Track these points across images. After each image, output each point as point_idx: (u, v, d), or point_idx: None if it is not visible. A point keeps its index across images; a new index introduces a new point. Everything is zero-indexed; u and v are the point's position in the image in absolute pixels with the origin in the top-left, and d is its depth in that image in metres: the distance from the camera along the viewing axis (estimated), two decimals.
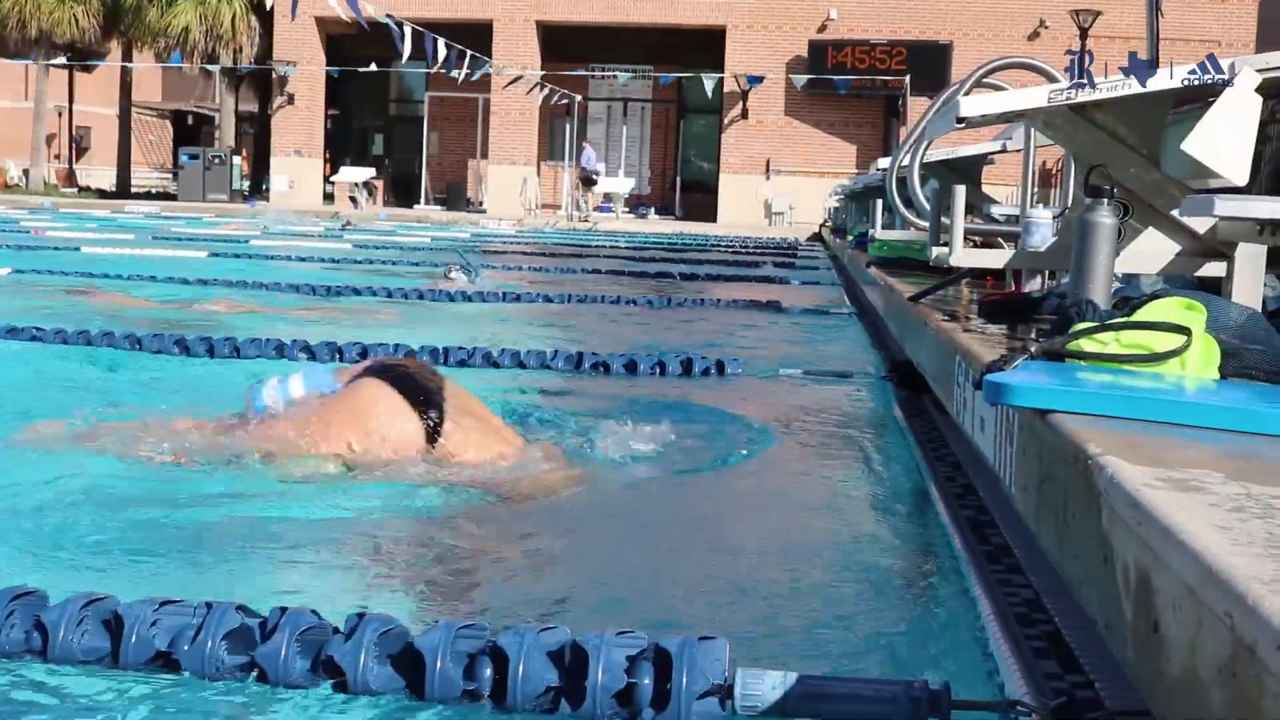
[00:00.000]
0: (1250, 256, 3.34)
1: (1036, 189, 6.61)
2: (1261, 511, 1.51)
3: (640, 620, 2.10)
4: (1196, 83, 3.28)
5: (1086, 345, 2.43)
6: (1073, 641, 2.13)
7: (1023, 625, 2.25)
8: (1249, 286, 3.33)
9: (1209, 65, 3.24)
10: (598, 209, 29.77)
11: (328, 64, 30.84)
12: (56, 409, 4.15)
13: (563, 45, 29.99)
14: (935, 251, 4.85)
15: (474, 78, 24.31)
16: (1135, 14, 20.22)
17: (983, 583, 2.58)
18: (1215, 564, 1.29)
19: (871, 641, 2.36)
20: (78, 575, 2.64)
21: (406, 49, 17.88)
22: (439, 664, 1.91)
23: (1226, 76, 3.25)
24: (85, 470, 3.48)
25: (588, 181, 29.51)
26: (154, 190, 37.57)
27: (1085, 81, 3.36)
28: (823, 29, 28.74)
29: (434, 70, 22.23)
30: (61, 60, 32.55)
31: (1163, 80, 3.46)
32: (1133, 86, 3.44)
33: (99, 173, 41.27)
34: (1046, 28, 27.38)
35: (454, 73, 21.36)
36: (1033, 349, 2.46)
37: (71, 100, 38.90)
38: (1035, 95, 3.66)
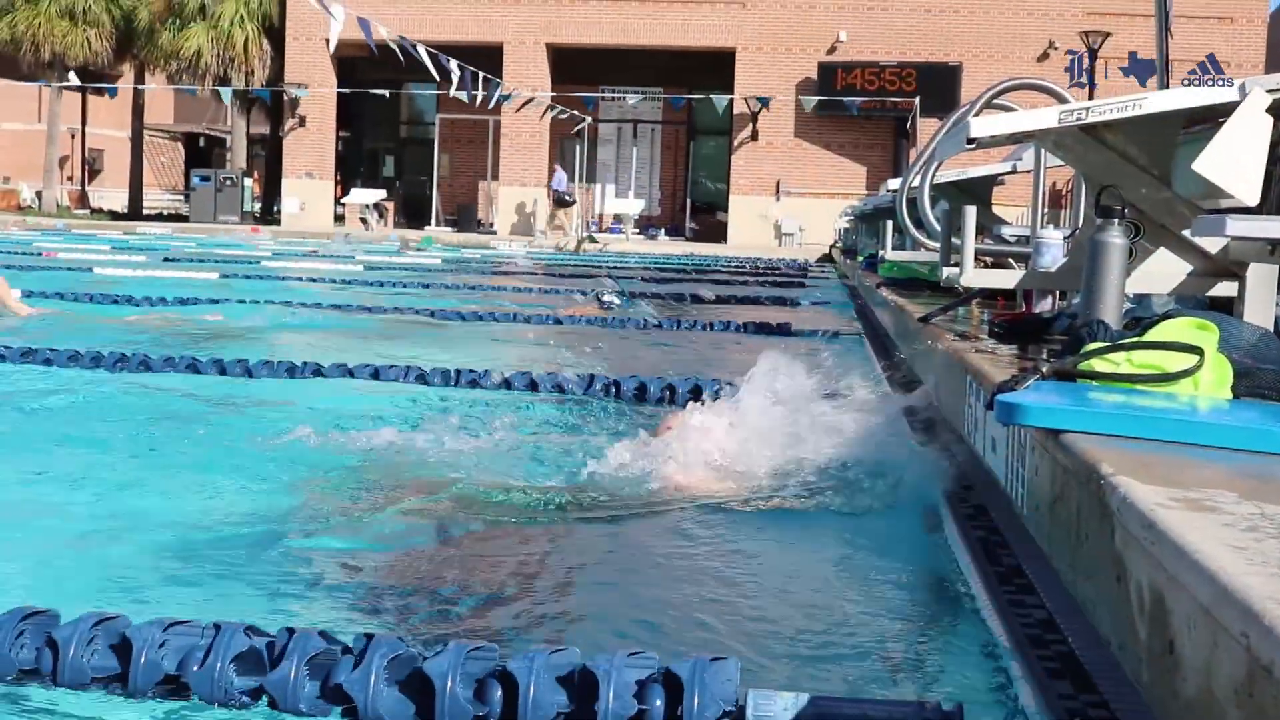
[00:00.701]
0: (1262, 276, 3.34)
1: (1047, 209, 6.60)
2: (1276, 531, 1.51)
3: (651, 643, 2.09)
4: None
5: (1098, 365, 2.42)
6: (1086, 662, 2.11)
7: (1036, 646, 2.23)
8: (1261, 306, 3.32)
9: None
10: (607, 230, 29.80)
11: (339, 86, 30.96)
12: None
13: (573, 67, 30.07)
14: (946, 272, 4.85)
15: (490, 105, 24.42)
16: (1145, 36, 20.24)
17: (994, 603, 2.57)
18: (1230, 584, 1.28)
19: (884, 663, 2.35)
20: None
21: (456, 77, 18.08)
22: (449, 687, 1.90)
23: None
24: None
25: (560, 203, 29.50)
26: (166, 212, 37.71)
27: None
28: (832, 51, 28.79)
29: (448, 93, 22.34)
30: (74, 83, 32.72)
31: (1172, 100, 3.47)
32: (1143, 107, 3.45)
33: (111, 195, 41.45)
34: (1056, 49, 27.40)
35: (469, 95, 21.43)
36: (1044, 369, 2.46)
37: (84, 123, 39.09)
38: (1045, 116, 3.66)
